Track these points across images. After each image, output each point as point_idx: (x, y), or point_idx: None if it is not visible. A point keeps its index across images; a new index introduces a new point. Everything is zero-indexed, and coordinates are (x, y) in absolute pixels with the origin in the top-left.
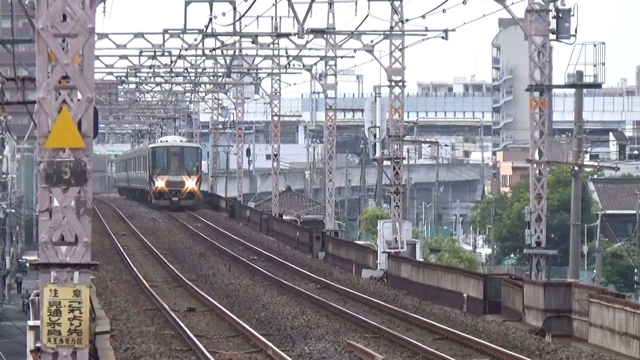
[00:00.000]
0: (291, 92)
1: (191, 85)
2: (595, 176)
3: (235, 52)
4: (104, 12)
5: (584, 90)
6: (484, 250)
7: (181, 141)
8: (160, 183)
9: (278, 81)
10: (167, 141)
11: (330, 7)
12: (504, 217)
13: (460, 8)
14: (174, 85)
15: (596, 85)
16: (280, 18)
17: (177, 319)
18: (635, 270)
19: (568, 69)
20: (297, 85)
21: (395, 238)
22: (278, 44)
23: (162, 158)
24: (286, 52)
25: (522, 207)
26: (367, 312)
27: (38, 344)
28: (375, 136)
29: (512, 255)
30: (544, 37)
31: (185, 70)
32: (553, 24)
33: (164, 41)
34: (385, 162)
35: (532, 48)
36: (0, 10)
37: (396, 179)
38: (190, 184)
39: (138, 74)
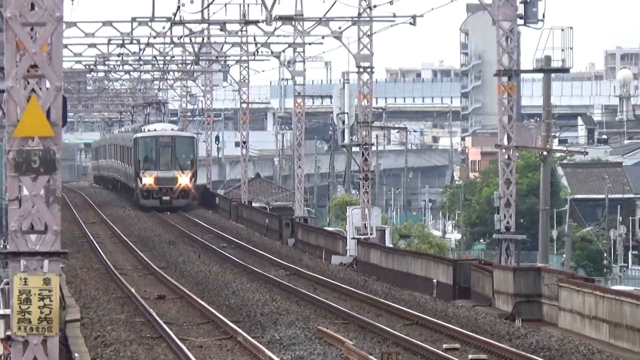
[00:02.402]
0: (260, 79)
1: (160, 73)
2: (565, 161)
3: (203, 39)
4: (72, 0)
5: (552, 74)
6: (454, 236)
7: (172, 130)
8: (148, 180)
9: (246, 68)
10: (155, 130)
11: None
12: (473, 202)
13: None
14: (142, 73)
15: (564, 70)
16: (248, 5)
17: (147, 307)
18: (605, 255)
19: (536, 53)
20: (266, 72)
21: (365, 224)
22: (246, 31)
23: (151, 150)
24: (254, 39)
25: (491, 192)
26: (337, 298)
27: (8, 333)
28: (343, 122)
29: (481, 241)
30: (512, 22)
31: (154, 58)
32: (521, 9)
33: (132, 29)
34: (354, 149)
35: (500, 33)
36: None
37: (365, 165)
38: (183, 180)
39: (107, 62)
